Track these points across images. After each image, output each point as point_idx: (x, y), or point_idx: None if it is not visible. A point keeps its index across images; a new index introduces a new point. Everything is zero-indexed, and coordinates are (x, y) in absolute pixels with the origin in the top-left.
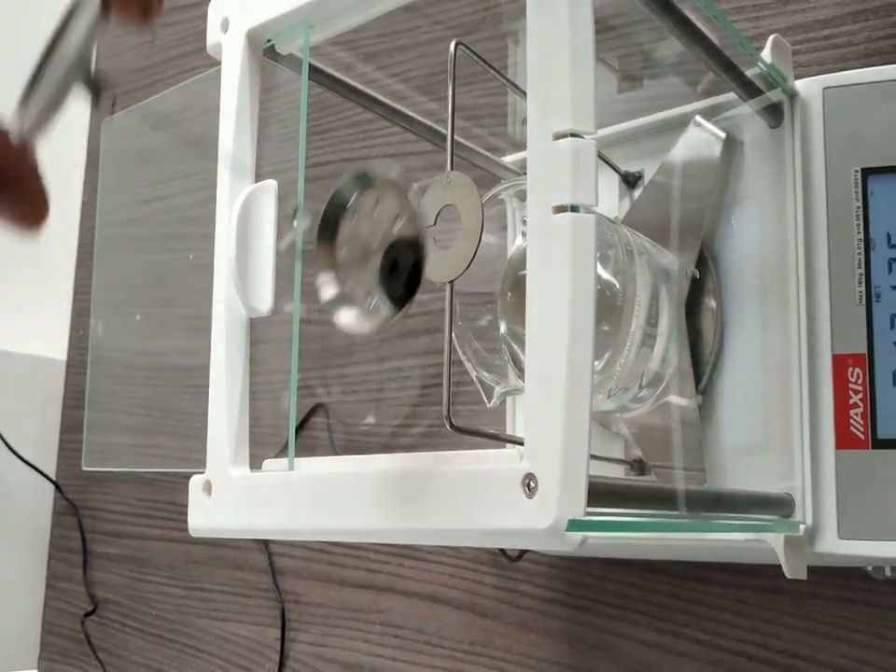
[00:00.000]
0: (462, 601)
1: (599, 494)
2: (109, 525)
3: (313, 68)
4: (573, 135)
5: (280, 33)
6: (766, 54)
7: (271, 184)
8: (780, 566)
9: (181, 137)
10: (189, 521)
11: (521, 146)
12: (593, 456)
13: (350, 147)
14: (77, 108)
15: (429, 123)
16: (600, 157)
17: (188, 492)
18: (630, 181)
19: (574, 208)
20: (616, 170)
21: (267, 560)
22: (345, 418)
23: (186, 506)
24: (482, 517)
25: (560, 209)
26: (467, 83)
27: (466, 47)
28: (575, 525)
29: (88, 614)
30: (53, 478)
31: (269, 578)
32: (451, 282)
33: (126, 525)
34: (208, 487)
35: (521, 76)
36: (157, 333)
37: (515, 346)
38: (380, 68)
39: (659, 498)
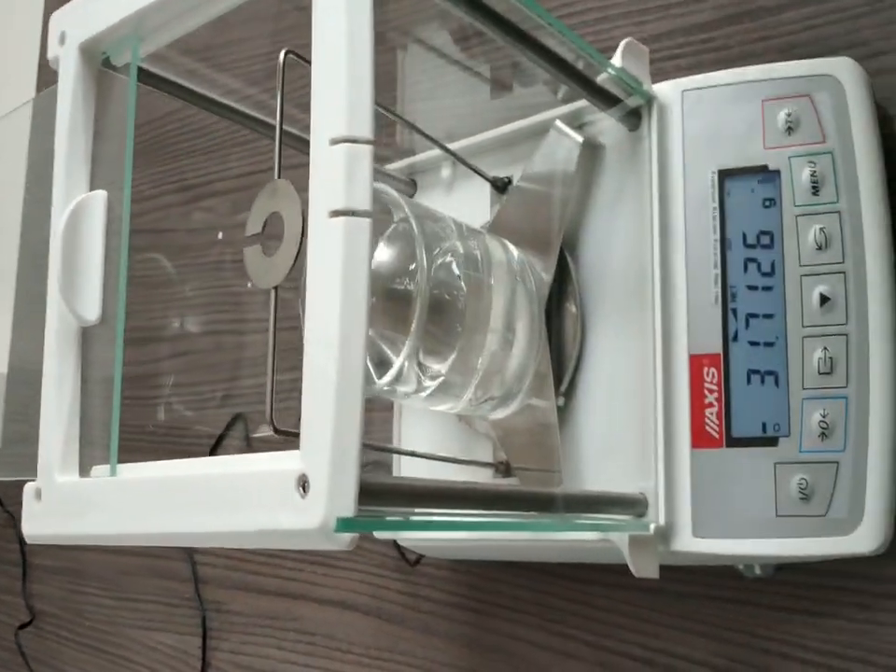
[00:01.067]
0: (370, 607)
1: (377, 493)
2: None
3: (159, 77)
4: (349, 141)
5: (112, 45)
6: (617, 59)
7: (100, 194)
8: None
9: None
10: (22, 528)
11: (408, 153)
12: (455, 460)
13: (268, 158)
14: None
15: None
16: (467, 165)
17: None
18: (499, 187)
19: (350, 213)
20: (484, 176)
21: (191, 569)
22: (259, 426)
23: None
24: (261, 518)
25: (335, 213)
26: None
27: (296, 55)
28: (344, 524)
29: (22, 626)
30: None
31: (192, 587)
32: (274, 288)
33: None
34: (38, 494)
35: (409, 90)
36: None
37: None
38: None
39: (447, 497)
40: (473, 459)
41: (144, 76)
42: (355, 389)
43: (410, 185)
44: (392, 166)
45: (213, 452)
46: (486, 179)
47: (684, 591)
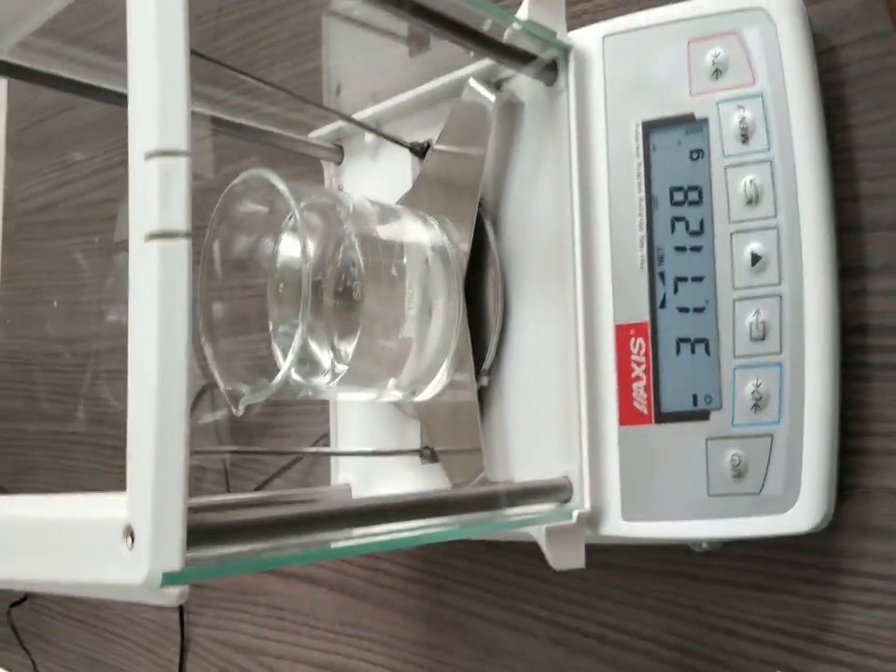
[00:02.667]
0: (334, 582)
1: (213, 533)
2: None
3: (22, 69)
4: (163, 154)
5: None
6: (523, 11)
7: None
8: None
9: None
10: None
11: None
12: (379, 453)
13: None
14: None
15: None
16: (377, 132)
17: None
18: (418, 152)
19: (166, 235)
20: (401, 142)
21: None
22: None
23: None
24: (91, 569)
25: (152, 237)
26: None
27: None
28: (170, 578)
29: (14, 604)
30: None
31: None
32: None
33: None
34: None
35: (333, 52)
36: (71, 319)
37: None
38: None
39: (295, 524)
40: (399, 449)
41: (6, 70)
42: (176, 431)
43: (336, 151)
44: (318, 133)
45: None
46: (403, 145)
47: (634, 565)
